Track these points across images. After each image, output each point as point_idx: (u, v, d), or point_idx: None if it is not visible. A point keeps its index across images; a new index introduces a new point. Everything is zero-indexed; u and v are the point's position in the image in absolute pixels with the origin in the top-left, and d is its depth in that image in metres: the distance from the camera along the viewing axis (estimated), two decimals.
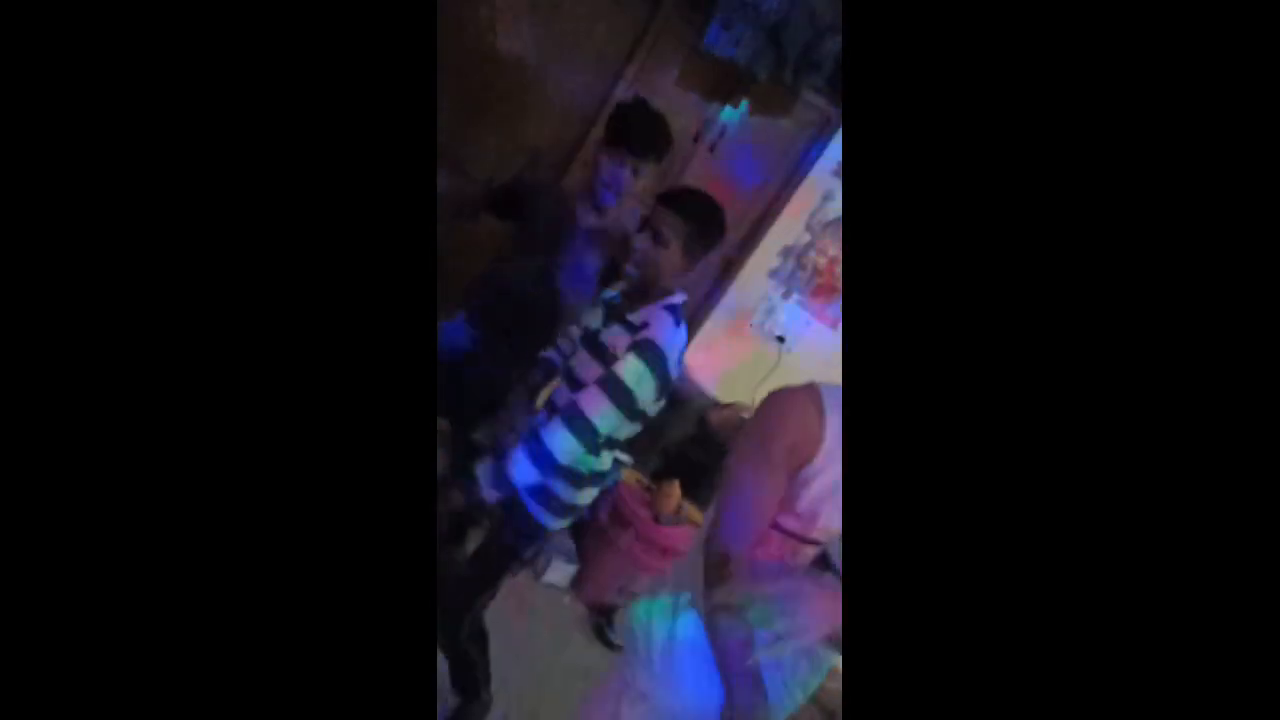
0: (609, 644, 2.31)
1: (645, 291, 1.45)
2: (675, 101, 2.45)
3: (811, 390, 0.98)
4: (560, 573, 2.46)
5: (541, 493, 1.47)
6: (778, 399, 1.01)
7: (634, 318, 1.42)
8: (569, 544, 2.54)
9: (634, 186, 1.66)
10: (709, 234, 1.43)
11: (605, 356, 1.40)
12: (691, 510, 2.59)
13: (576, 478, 1.49)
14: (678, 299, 1.44)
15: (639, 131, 1.61)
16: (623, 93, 2.39)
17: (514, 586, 2.37)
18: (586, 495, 1.55)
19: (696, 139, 2.48)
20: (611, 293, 1.55)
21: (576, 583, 2.48)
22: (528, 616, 2.30)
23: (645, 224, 1.43)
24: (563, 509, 1.51)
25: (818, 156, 2.46)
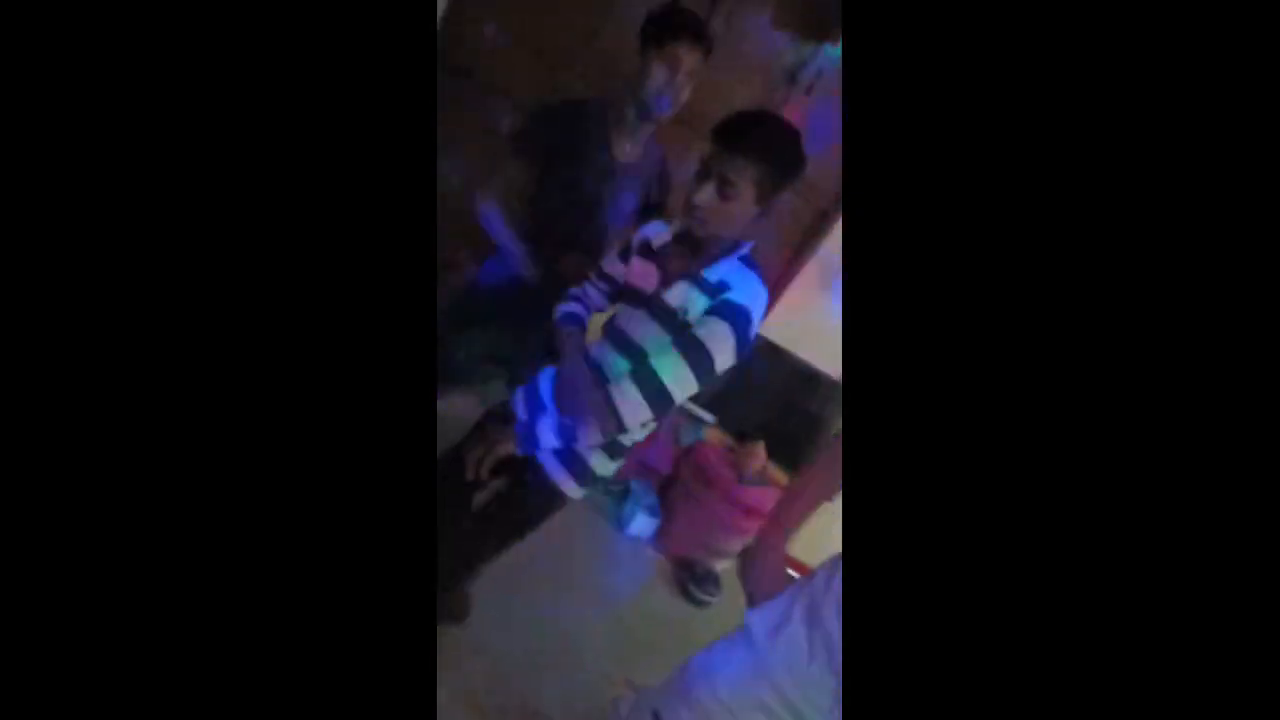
0: (693, 599, 2.39)
1: (701, 244, 1.23)
2: (769, 40, 2.23)
3: None
4: (643, 525, 2.53)
5: (569, 456, 1.31)
6: None
7: (710, 275, 1.21)
8: (652, 498, 2.60)
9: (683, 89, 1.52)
10: (784, 169, 1.18)
11: (673, 321, 1.21)
12: (774, 471, 2.58)
13: (617, 447, 1.32)
14: (747, 248, 1.24)
15: (682, 26, 1.46)
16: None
17: (596, 537, 2.48)
18: (611, 467, 1.36)
19: (792, 80, 2.26)
20: (654, 232, 1.32)
21: (659, 537, 2.55)
22: (610, 567, 2.40)
23: (704, 169, 1.17)
24: (588, 477, 1.33)
25: None
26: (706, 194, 1.16)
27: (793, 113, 2.28)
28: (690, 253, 1.27)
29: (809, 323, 2.50)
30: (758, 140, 1.15)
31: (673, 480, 2.61)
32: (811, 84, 2.26)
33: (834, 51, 2.20)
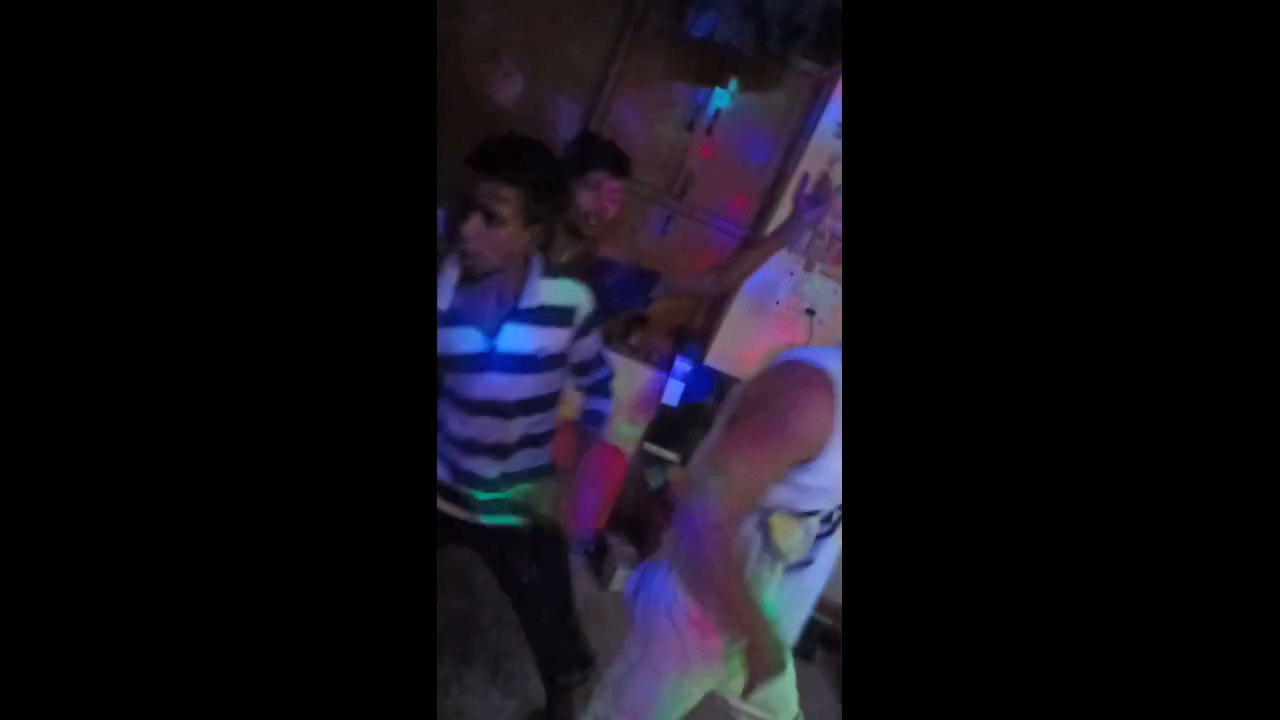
0: None
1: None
2: (664, 93, 2.41)
3: (825, 379, 0.91)
4: (624, 579, 2.46)
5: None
6: (790, 385, 0.94)
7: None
8: (630, 549, 2.55)
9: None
10: (551, 185, 1.18)
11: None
12: None
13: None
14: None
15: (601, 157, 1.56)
16: (607, 97, 2.38)
17: (581, 594, 2.40)
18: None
19: (691, 127, 2.44)
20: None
21: None
22: (598, 625, 2.31)
23: (469, 203, 1.16)
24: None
25: (817, 121, 2.40)
26: (473, 226, 1.14)
27: (701, 153, 2.45)
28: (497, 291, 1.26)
29: (754, 346, 2.57)
30: (515, 161, 1.14)
31: (650, 528, 2.57)
32: (710, 127, 2.44)
33: (725, 93, 2.39)
